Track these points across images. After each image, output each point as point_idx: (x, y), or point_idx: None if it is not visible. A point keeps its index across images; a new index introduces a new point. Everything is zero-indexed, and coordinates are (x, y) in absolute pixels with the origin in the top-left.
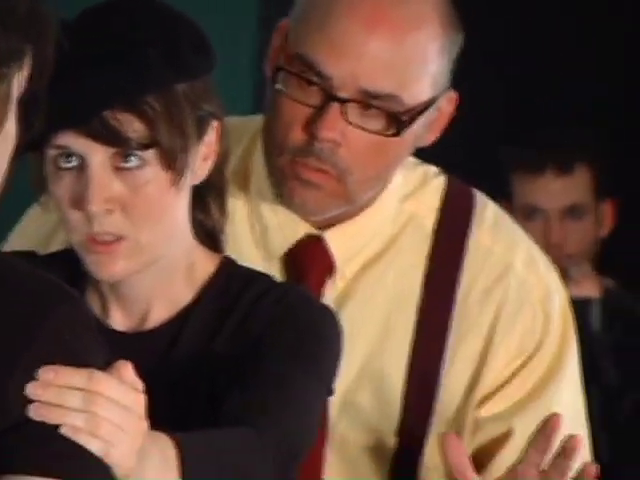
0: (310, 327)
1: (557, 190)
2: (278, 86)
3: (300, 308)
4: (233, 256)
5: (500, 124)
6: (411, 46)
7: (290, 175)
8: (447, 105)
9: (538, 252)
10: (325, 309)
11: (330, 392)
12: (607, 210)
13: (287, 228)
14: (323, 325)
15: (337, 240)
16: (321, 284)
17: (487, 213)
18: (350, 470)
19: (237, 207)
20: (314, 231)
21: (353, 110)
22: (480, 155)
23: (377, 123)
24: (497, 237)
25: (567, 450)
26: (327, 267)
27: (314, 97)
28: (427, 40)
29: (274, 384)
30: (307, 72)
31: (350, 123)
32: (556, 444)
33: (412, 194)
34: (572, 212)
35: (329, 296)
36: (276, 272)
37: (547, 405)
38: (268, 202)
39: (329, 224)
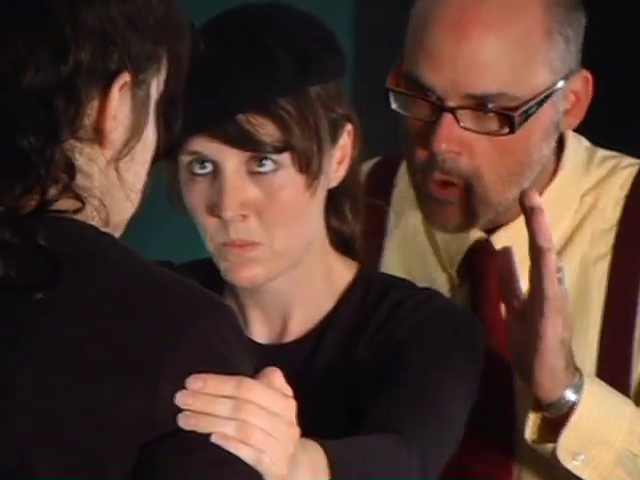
0: (453, 333)
1: None
2: (393, 106)
3: (442, 314)
4: (422, 269)
5: None
6: (508, 40)
7: (424, 195)
8: (582, 86)
9: None
10: (467, 314)
11: (474, 398)
12: None
13: (458, 237)
14: (466, 330)
15: (508, 241)
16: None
17: None
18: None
19: (417, 224)
20: (483, 235)
21: (465, 116)
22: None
23: (493, 124)
24: None
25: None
26: None
27: (427, 111)
28: (527, 29)
29: (419, 391)
30: (416, 89)
31: (466, 129)
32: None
33: (594, 188)
34: None
35: None
36: (456, 282)
37: None
38: None
39: (496, 227)
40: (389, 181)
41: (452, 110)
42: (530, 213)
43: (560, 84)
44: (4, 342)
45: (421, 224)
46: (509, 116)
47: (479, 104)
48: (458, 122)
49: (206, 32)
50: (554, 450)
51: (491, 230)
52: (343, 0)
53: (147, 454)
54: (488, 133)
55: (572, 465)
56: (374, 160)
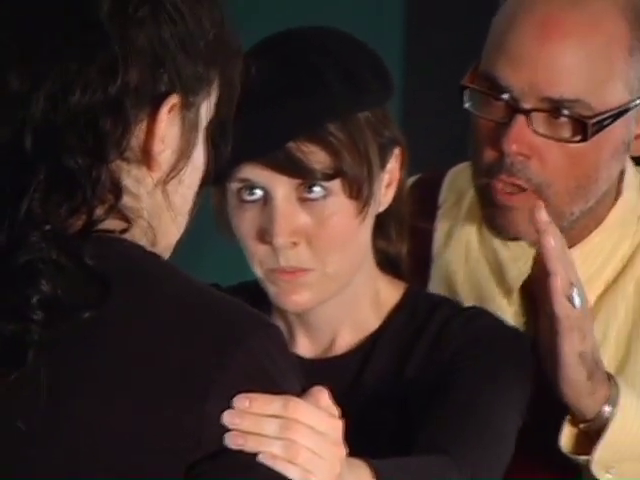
0: (503, 351)
1: None
2: (466, 105)
3: (491, 333)
4: (474, 293)
5: None
6: (590, 48)
7: (486, 200)
8: None
9: None
10: (517, 333)
11: (524, 417)
12: None
13: (520, 260)
14: (515, 350)
15: (576, 261)
16: None
17: None
18: None
19: (472, 245)
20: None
21: (539, 120)
22: None
23: (565, 131)
24: None
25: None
26: None
27: (500, 112)
28: (610, 41)
29: (469, 411)
30: (492, 89)
31: (537, 133)
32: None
33: None
34: None
35: None
36: (517, 306)
37: None
38: None
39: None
40: (432, 202)
41: (526, 112)
42: (540, 229)
43: (635, 104)
44: (52, 362)
45: (477, 245)
46: (583, 123)
47: (554, 108)
48: (531, 125)
49: (254, 56)
50: (589, 462)
51: None
52: (393, 23)
53: (194, 474)
54: (560, 139)
55: (605, 478)
56: (412, 179)
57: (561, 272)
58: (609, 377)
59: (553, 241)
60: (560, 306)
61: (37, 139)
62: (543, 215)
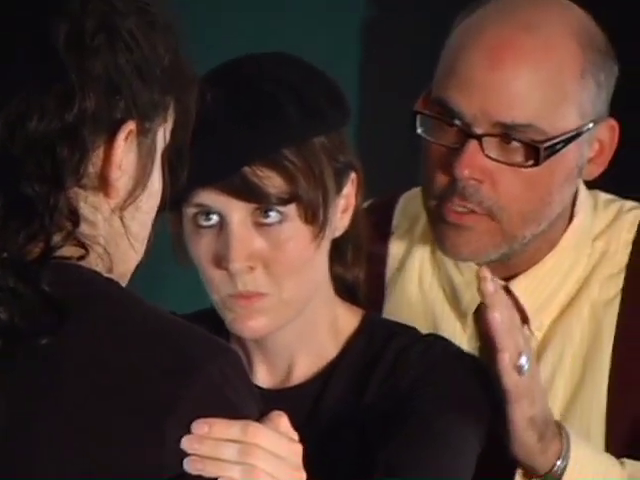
0: (460, 380)
1: None
2: (419, 130)
3: (448, 360)
4: (428, 318)
5: None
6: (542, 73)
7: (437, 219)
8: (607, 135)
9: None
10: (474, 360)
11: (482, 443)
12: None
13: (473, 284)
14: (473, 377)
15: (525, 289)
16: None
17: None
18: None
19: (426, 270)
20: (501, 283)
21: (491, 145)
22: None
23: (518, 155)
24: None
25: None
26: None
27: (452, 137)
28: (562, 65)
29: (427, 435)
30: (443, 114)
31: (490, 158)
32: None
33: (604, 232)
34: None
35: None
36: (471, 330)
37: None
38: (452, 261)
39: (515, 273)
40: (385, 227)
41: (478, 137)
42: (488, 302)
43: (587, 127)
44: (10, 390)
45: (431, 270)
46: (536, 148)
47: (506, 133)
48: (483, 150)
49: (209, 81)
50: None
51: (509, 277)
52: (349, 48)
53: None
54: (512, 164)
55: None
56: (365, 204)
57: (509, 346)
58: (559, 429)
59: (499, 315)
60: (509, 379)
61: None
62: (489, 286)
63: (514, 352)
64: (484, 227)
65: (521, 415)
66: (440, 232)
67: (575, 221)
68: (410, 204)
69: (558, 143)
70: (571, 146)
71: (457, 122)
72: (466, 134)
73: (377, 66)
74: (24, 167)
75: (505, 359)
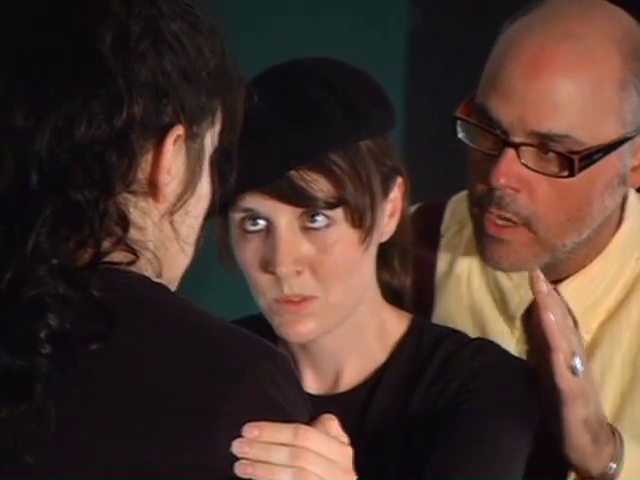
0: (508, 384)
1: None
2: (460, 135)
3: (496, 365)
4: (476, 322)
5: None
6: (580, 84)
7: (479, 229)
8: None
9: None
10: (523, 364)
11: (531, 447)
12: None
13: (522, 288)
14: (521, 382)
15: (573, 292)
16: None
17: None
18: None
19: (474, 274)
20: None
21: (529, 154)
22: None
23: (553, 165)
24: None
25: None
26: None
27: (491, 144)
28: (602, 77)
29: (476, 442)
30: (484, 121)
31: (527, 167)
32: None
33: None
34: None
35: None
36: (520, 333)
37: None
38: None
39: (563, 277)
40: (434, 231)
41: (515, 146)
42: (541, 302)
43: (628, 137)
44: (59, 395)
45: (479, 273)
46: (570, 159)
47: (543, 143)
48: (520, 159)
49: (257, 85)
50: None
51: (557, 281)
52: (395, 53)
53: None
54: (548, 174)
55: None
56: (414, 208)
57: (563, 346)
58: (613, 431)
59: (552, 315)
60: (563, 379)
61: (43, 174)
62: (543, 287)
63: (568, 352)
64: (523, 239)
65: (575, 416)
66: (481, 243)
67: (623, 226)
68: (458, 207)
69: (596, 153)
70: (611, 156)
71: (496, 130)
72: (504, 142)
73: (423, 70)
74: (73, 173)
75: (559, 359)
